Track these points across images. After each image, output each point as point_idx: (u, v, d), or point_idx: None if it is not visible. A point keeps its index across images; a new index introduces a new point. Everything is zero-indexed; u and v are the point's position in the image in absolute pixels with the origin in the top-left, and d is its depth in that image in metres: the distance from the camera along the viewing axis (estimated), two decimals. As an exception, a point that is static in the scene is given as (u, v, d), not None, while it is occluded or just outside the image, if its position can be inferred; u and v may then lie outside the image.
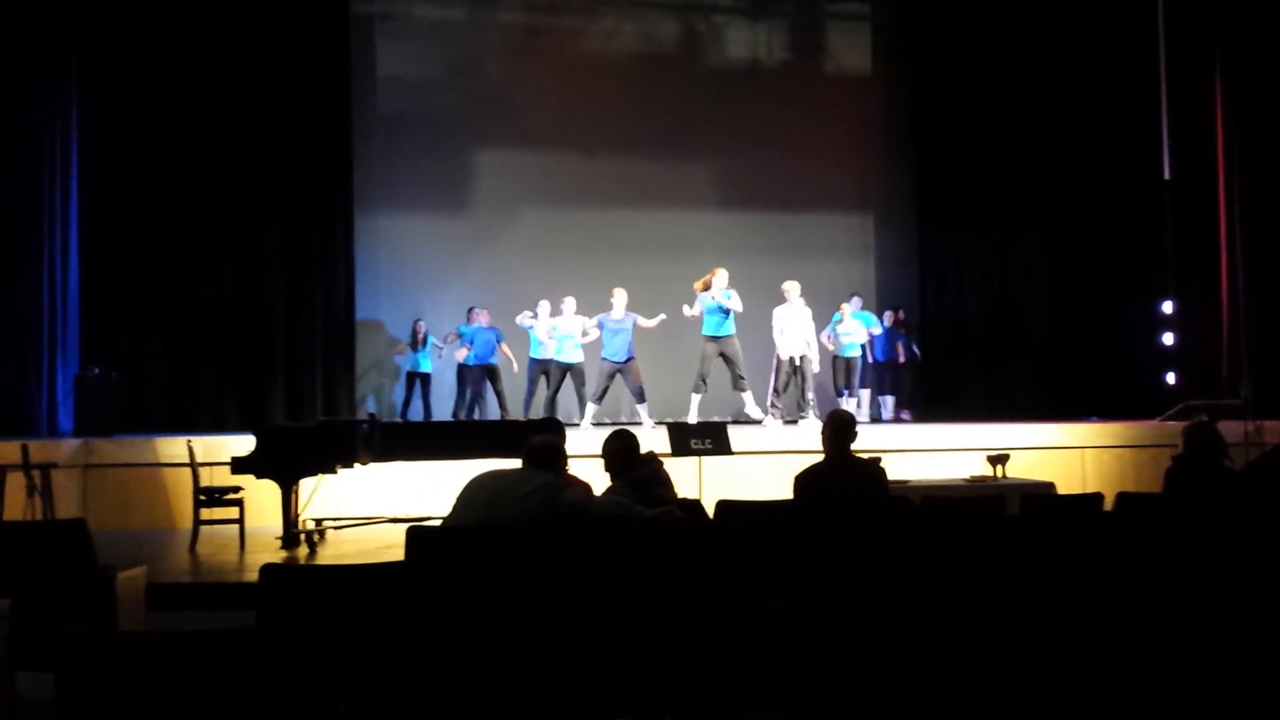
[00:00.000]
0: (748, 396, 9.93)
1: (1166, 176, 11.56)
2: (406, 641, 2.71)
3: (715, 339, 9.86)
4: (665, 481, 4.42)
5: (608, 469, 4.43)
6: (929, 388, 12.04)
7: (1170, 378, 11.42)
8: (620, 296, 10.08)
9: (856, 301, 11.30)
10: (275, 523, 7.33)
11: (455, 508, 4.16)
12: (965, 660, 2.93)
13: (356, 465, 7.35)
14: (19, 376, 9.53)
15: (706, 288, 9.87)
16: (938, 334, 12.05)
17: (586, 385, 10.19)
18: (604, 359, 10.01)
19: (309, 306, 10.75)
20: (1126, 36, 11.63)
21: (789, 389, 10.18)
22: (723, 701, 2.59)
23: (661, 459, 4.60)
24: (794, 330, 10.15)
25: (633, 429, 4.96)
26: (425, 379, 10.94)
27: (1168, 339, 11.55)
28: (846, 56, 12.60)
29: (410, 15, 11.82)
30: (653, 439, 7.42)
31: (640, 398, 9.94)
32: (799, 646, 2.68)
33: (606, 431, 4.66)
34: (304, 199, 10.72)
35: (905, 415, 11.36)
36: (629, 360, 9.94)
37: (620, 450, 4.40)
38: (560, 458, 4.24)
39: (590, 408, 10.06)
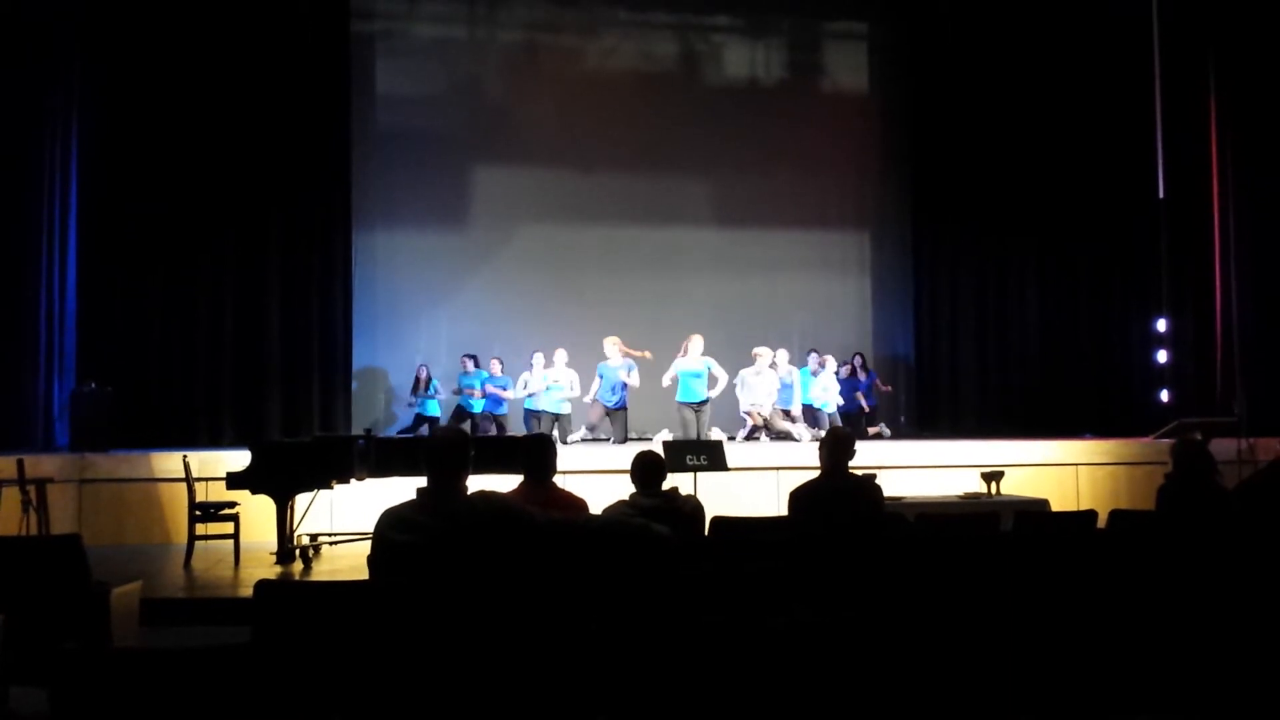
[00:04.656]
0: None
1: (1161, 195, 11.64)
2: (400, 656, 2.72)
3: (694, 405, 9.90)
4: (674, 514, 4.31)
5: (633, 481, 4.48)
6: (924, 404, 12.07)
7: (1164, 395, 11.45)
8: (610, 346, 10.10)
9: (813, 358, 11.05)
10: (270, 538, 7.33)
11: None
12: (958, 677, 2.94)
13: (352, 481, 7.36)
14: (15, 391, 9.52)
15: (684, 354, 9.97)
16: (932, 350, 12.08)
17: (571, 434, 10.23)
18: (597, 398, 10.15)
19: (306, 322, 10.76)
20: (1121, 56, 11.71)
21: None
22: (716, 714, 2.60)
23: (692, 498, 4.60)
24: (758, 390, 10.28)
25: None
26: (434, 424, 10.69)
27: (1162, 356, 11.59)
28: (844, 75, 12.68)
29: (410, 34, 11.87)
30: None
31: (620, 442, 9.97)
32: (794, 662, 2.69)
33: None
34: (302, 215, 10.75)
35: (885, 431, 11.28)
36: (619, 409, 10.04)
37: (638, 465, 4.47)
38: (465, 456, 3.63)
39: (581, 431, 10.14)
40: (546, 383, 10.26)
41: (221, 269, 10.58)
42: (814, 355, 11.01)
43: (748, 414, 10.35)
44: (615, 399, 10.03)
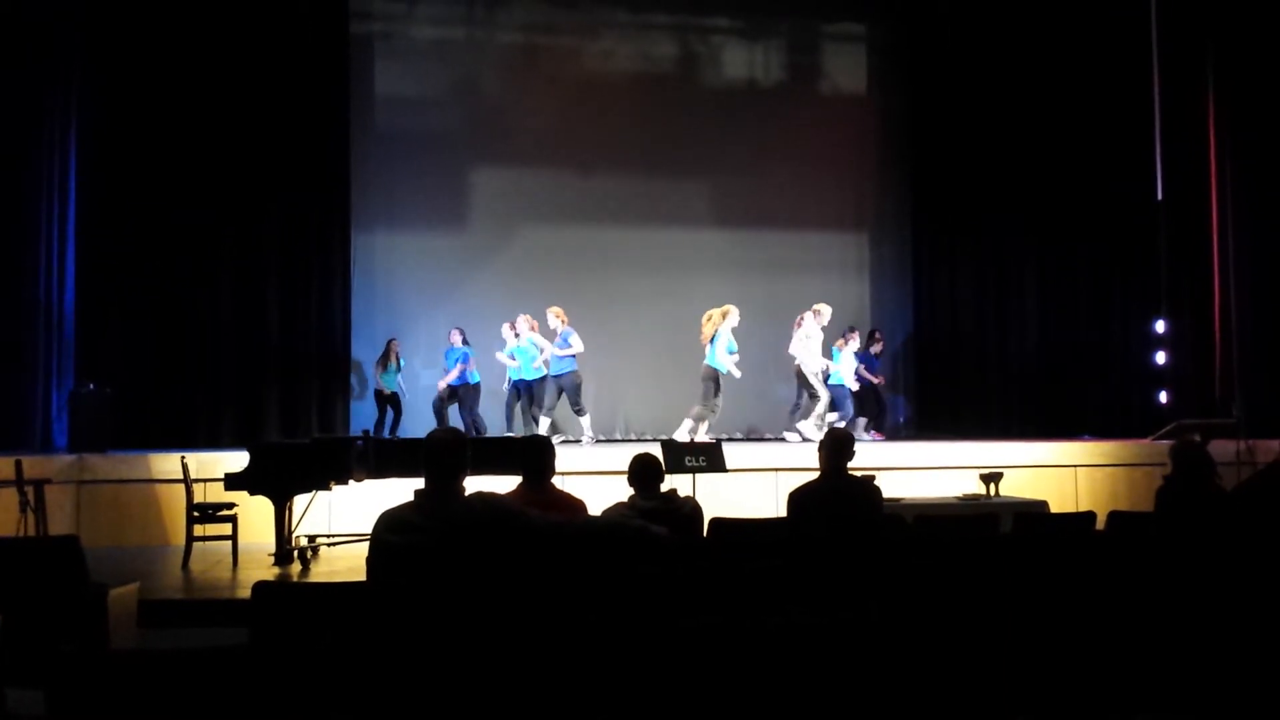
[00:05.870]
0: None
1: (1159, 197, 11.64)
2: (398, 658, 2.72)
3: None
4: (673, 516, 4.31)
5: (630, 484, 4.49)
6: (923, 404, 12.08)
7: (1163, 397, 11.46)
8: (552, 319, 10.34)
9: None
10: (269, 539, 7.32)
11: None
12: (957, 678, 2.94)
13: (350, 482, 7.35)
14: (14, 391, 9.51)
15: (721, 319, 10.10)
16: (932, 351, 12.09)
17: (539, 402, 10.37)
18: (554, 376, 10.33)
19: (305, 323, 10.76)
20: (1120, 57, 11.72)
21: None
22: (714, 715, 2.60)
23: (690, 499, 4.61)
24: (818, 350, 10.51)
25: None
26: (394, 399, 10.76)
27: (1160, 358, 11.59)
28: (843, 76, 12.68)
29: (409, 35, 11.87)
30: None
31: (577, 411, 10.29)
32: (792, 663, 2.69)
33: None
34: (301, 216, 10.75)
35: (876, 436, 11.27)
36: (562, 375, 10.23)
37: (636, 468, 4.51)
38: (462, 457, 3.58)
39: (544, 420, 10.25)
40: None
41: (220, 270, 10.58)
42: (847, 333, 11.06)
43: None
44: (557, 369, 10.25)
